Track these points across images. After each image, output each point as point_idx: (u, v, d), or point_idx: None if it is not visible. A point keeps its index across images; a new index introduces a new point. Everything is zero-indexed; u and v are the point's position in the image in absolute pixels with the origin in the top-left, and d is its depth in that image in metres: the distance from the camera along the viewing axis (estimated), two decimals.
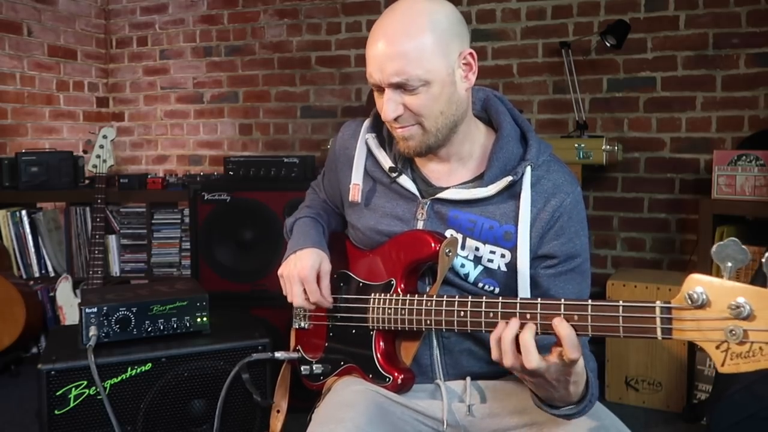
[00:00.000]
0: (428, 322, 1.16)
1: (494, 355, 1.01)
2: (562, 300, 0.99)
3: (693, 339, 0.83)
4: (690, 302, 0.81)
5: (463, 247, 1.22)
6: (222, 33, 3.86)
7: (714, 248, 0.82)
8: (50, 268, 3.25)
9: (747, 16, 2.84)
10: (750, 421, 1.93)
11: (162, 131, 4.05)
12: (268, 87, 3.79)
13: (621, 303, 0.91)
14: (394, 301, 1.22)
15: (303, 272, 1.27)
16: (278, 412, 1.47)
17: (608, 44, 2.86)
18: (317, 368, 1.35)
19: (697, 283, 0.82)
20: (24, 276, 3.20)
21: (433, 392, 1.27)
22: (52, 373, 1.52)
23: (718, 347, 0.80)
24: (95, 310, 1.61)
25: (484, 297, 1.08)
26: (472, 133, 1.25)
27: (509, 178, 1.18)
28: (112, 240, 3.27)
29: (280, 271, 1.32)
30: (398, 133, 1.21)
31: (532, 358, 0.96)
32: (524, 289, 1.18)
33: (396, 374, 1.22)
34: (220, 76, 3.89)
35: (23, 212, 3.20)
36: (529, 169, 1.19)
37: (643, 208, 3.08)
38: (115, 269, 3.29)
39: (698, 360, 2.51)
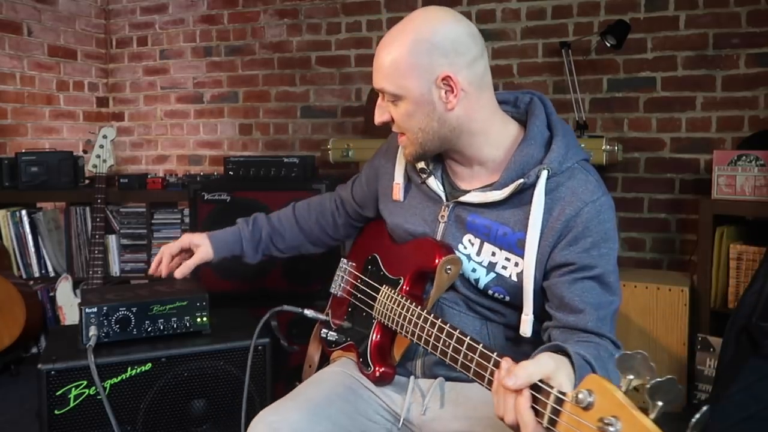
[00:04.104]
0: (407, 330, 1.20)
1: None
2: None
3: None
4: (576, 401, 0.77)
5: (479, 253, 1.21)
6: (222, 33, 3.86)
7: (618, 355, 0.76)
8: (50, 268, 3.25)
9: (747, 16, 2.84)
10: (750, 421, 1.93)
11: (162, 131, 4.05)
12: (268, 87, 3.79)
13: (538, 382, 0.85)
14: (395, 300, 1.25)
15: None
16: (310, 366, 1.55)
17: (608, 44, 2.86)
18: (332, 336, 1.44)
19: (592, 385, 0.77)
20: (24, 276, 3.19)
21: (405, 386, 1.31)
22: (52, 373, 1.51)
23: None
24: (95, 310, 1.60)
25: (467, 337, 1.04)
26: (494, 139, 1.22)
27: (521, 181, 1.15)
28: (112, 240, 3.27)
29: None
30: (398, 140, 1.27)
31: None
32: (528, 298, 1.16)
33: (377, 367, 1.28)
34: (220, 76, 3.89)
35: (23, 212, 3.20)
36: (545, 173, 1.14)
37: (643, 208, 3.08)
38: (115, 269, 3.29)
39: (698, 360, 2.51)
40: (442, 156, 1.30)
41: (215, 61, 3.89)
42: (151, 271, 1.62)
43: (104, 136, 3.02)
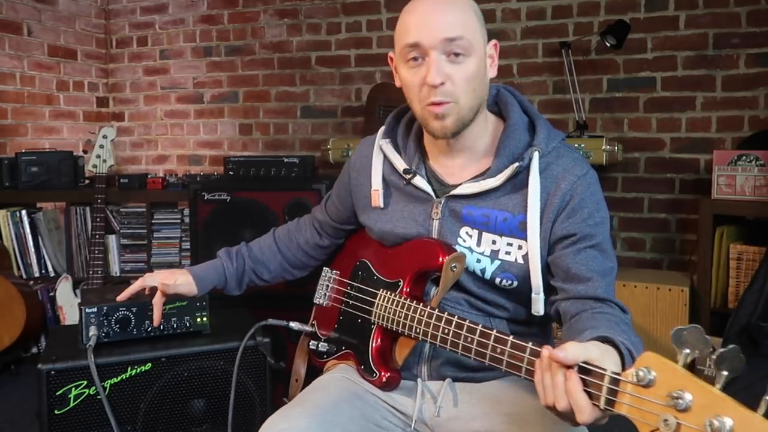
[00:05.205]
0: (417, 330, 1.18)
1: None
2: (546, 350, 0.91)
3: (629, 415, 0.78)
4: (636, 379, 0.77)
5: (479, 243, 1.22)
6: (222, 33, 3.86)
7: (673, 331, 0.75)
8: (50, 268, 3.24)
9: (747, 16, 2.84)
10: None
11: (162, 131, 4.05)
12: (268, 87, 3.79)
13: (580, 363, 0.86)
14: (397, 302, 1.24)
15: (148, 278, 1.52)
16: (297, 381, 1.52)
17: (608, 44, 2.86)
18: (322, 346, 1.41)
19: (650, 362, 0.77)
20: (24, 276, 3.19)
21: (412, 389, 1.29)
22: (52, 373, 1.51)
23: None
24: (95, 310, 1.60)
25: (494, 330, 1.04)
26: (483, 123, 1.25)
27: (516, 165, 1.18)
28: (112, 240, 3.27)
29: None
30: (436, 111, 1.16)
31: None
32: (537, 277, 1.17)
33: (383, 372, 1.26)
34: (220, 76, 3.89)
35: (23, 212, 3.20)
36: (536, 154, 1.19)
37: (643, 208, 3.08)
38: (115, 269, 3.28)
39: (698, 360, 2.51)
40: (426, 154, 1.31)
41: (215, 61, 3.89)
42: (120, 298, 1.55)
43: (104, 136, 3.02)
